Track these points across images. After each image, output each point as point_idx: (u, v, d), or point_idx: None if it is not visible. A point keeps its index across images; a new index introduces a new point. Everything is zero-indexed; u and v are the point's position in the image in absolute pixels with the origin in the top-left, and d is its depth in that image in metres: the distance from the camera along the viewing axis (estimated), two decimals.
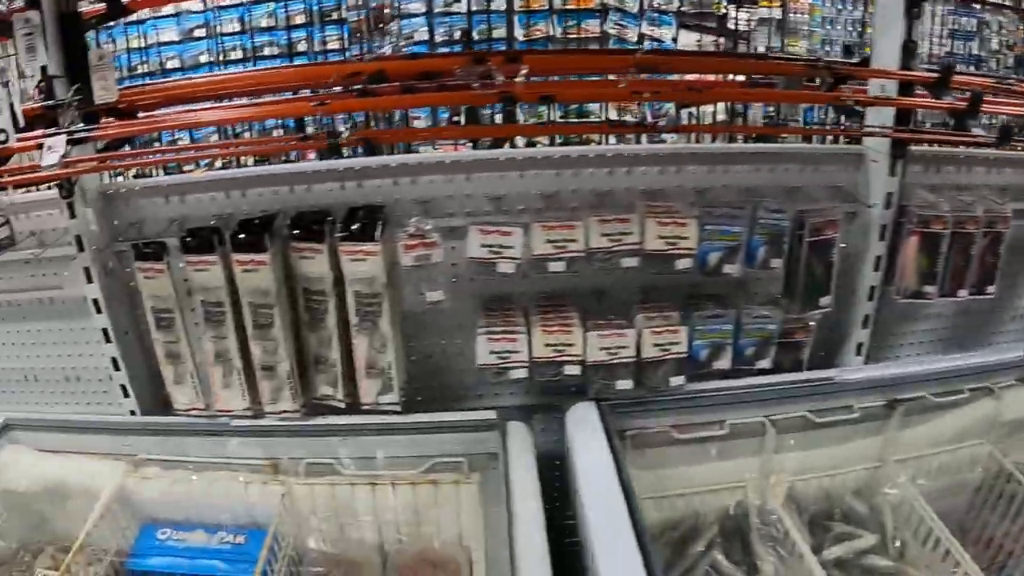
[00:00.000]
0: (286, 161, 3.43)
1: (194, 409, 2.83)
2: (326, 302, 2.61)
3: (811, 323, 2.92)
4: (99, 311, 2.84)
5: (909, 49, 2.79)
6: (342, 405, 2.76)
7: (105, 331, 2.88)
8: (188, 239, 2.63)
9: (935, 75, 2.78)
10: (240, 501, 2.74)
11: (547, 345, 2.65)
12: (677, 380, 2.73)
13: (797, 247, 2.81)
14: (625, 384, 2.70)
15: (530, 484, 2.46)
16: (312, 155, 3.35)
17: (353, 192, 2.74)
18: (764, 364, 2.88)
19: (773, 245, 2.76)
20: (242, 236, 2.57)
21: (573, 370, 2.66)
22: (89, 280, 2.79)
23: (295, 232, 2.61)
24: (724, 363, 2.83)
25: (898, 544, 2.70)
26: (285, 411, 2.73)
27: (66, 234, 2.81)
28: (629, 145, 2.90)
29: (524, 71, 2.24)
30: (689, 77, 2.88)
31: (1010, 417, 2.98)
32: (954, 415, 2.94)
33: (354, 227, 2.54)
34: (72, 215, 2.75)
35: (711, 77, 3.06)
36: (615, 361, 2.67)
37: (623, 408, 2.73)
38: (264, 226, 2.60)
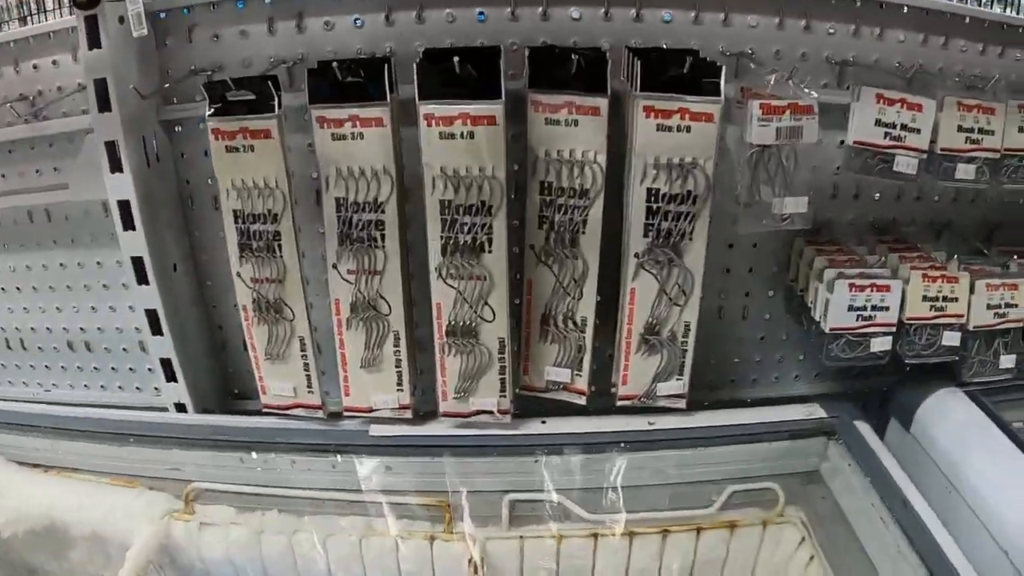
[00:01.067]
0: None
1: (300, 406, 0.98)
2: (587, 209, 0.83)
3: None
4: (130, 225, 1.08)
5: None
6: (581, 400, 1.08)
7: (139, 262, 1.09)
8: (324, 74, 0.92)
9: None
10: (383, 566, 1.07)
11: (926, 299, 1.09)
12: None
13: None
14: (1008, 361, 1.17)
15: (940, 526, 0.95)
16: None
17: (625, 27, 1.08)
18: None
19: None
20: (444, 69, 0.87)
21: (952, 339, 1.12)
22: (116, 167, 0.89)
23: (540, 76, 0.94)
24: None
25: None
26: (482, 411, 0.90)
27: (80, 92, 1.07)
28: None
29: None
30: None
31: None
32: None
33: (670, 72, 0.89)
34: (95, 43, 0.97)
35: None
36: (1000, 325, 1.15)
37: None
38: (483, 60, 0.89)
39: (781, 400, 1.21)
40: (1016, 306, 1.19)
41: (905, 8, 1.17)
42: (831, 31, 1.14)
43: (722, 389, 1.28)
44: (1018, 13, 1.37)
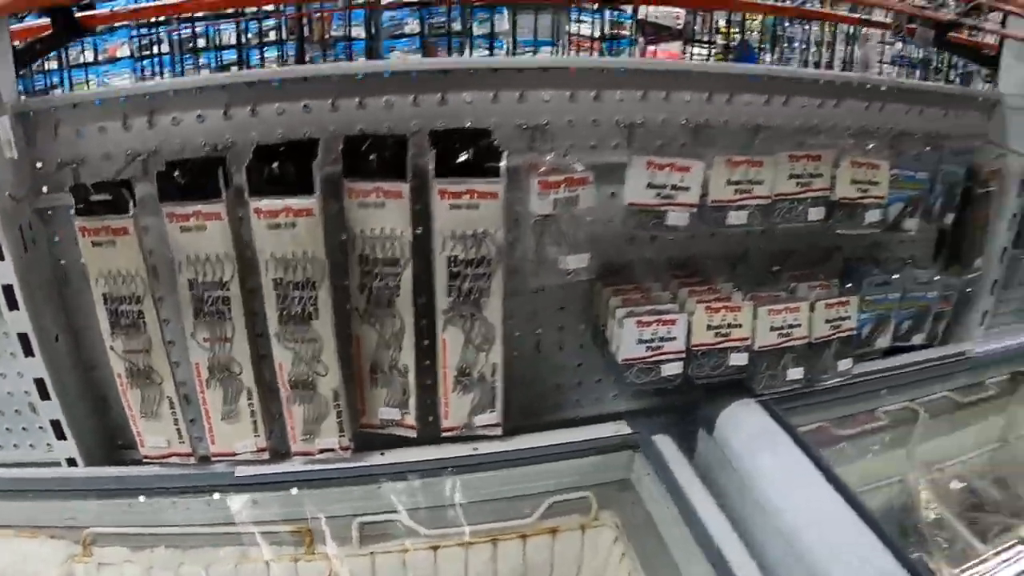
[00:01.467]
0: None
1: (175, 455, 1.43)
2: (398, 276, 1.20)
3: (968, 289, 1.92)
4: (14, 305, 1.37)
5: None
6: (412, 434, 1.43)
7: (24, 337, 1.39)
8: (170, 177, 1.25)
9: None
10: None
11: (710, 328, 1.47)
12: (845, 364, 1.63)
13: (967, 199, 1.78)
14: (796, 373, 1.57)
15: (724, 523, 1.30)
16: None
17: (432, 111, 1.42)
18: (919, 339, 1.84)
19: (950, 197, 1.72)
20: (267, 170, 1.22)
21: (739, 359, 1.51)
22: None
23: (352, 166, 1.27)
24: (885, 340, 1.77)
25: None
26: (326, 449, 1.27)
27: None
28: (784, 66, 1.53)
29: None
30: None
31: None
32: None
33: (460, 158, 1.24)
34: None
35: None
36: (786, 344, 1.53)
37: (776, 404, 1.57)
38: (301, 156, 1.25)
39: (604, 417, 1.54)
40: (799, 326, 1.52)
41: (691, 73, 1.52)
42: (620, 99, 1.47)
43: (549, 412, 1.61)
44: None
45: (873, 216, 1.52)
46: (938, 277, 1.74)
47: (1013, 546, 1.75)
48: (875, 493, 1.76)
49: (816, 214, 1.47)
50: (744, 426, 1.49)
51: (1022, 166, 1.87)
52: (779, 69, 1.61)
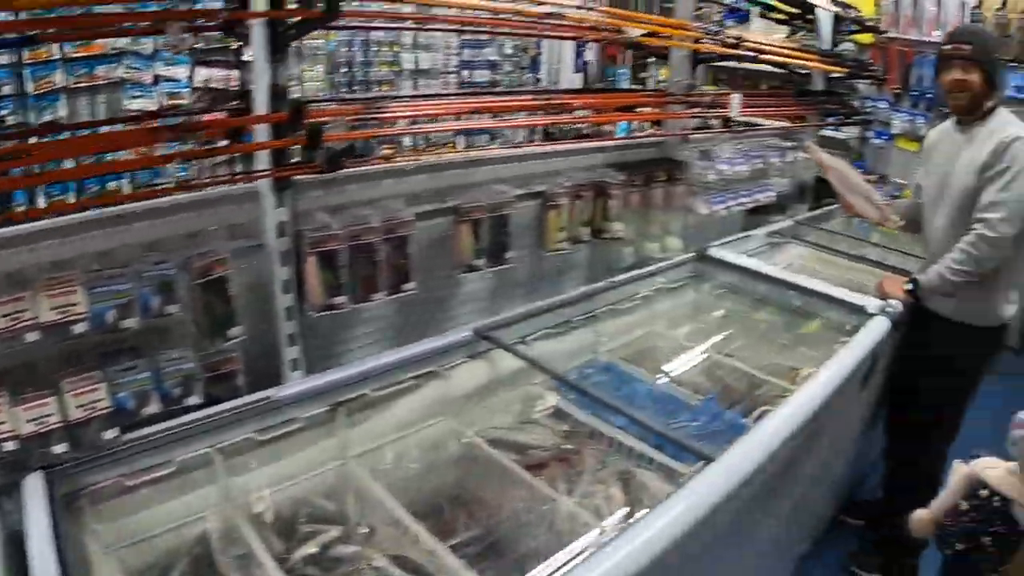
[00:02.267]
0: None
1: None
2: None
3: (233, 354, 2.95)
4: None
5: (278, 92, 2.91)
6: None
7: None
8: None
9: (285, 114, 2.88)
10: None
11: None
12: (111, 433, 2.67)
13: (191, 290, 2.87)
14: (61, 448, 2.60)
15: None
16: None
17: None
18: (195, 400, 2.89)
19: (165, 293, 2.81)
20: None
21: (11, 446, 2.53)
22: None
23: None
24: (153, 408, 2.80)
25: (366, 530, 2.79)
26: None
27: None
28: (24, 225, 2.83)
29: None
30: None
31: (462, 392, 3.24)
32: (406, 402, 3.14)
33: None
34: None
35: None
36: (46, 429, 2.58)
37: (75, 470, 2.68)
38: None
39: None
40: (52, 415, 2.44)
41: None
42: None
43: None
44: None
45: (82, 327, 2.57)
46: (183, 354, 2.84)
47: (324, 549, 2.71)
48: (186, 528, 2.74)
49: (33, 337, 2.50)
50: (30, 494, 2.44)
51: (277, 244, 3.08)
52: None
